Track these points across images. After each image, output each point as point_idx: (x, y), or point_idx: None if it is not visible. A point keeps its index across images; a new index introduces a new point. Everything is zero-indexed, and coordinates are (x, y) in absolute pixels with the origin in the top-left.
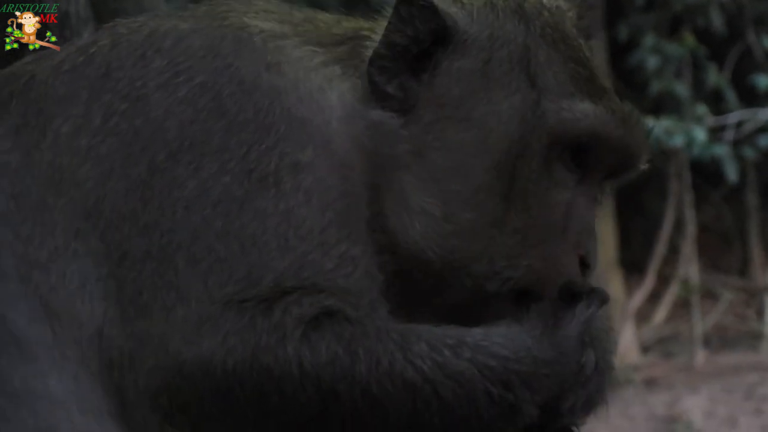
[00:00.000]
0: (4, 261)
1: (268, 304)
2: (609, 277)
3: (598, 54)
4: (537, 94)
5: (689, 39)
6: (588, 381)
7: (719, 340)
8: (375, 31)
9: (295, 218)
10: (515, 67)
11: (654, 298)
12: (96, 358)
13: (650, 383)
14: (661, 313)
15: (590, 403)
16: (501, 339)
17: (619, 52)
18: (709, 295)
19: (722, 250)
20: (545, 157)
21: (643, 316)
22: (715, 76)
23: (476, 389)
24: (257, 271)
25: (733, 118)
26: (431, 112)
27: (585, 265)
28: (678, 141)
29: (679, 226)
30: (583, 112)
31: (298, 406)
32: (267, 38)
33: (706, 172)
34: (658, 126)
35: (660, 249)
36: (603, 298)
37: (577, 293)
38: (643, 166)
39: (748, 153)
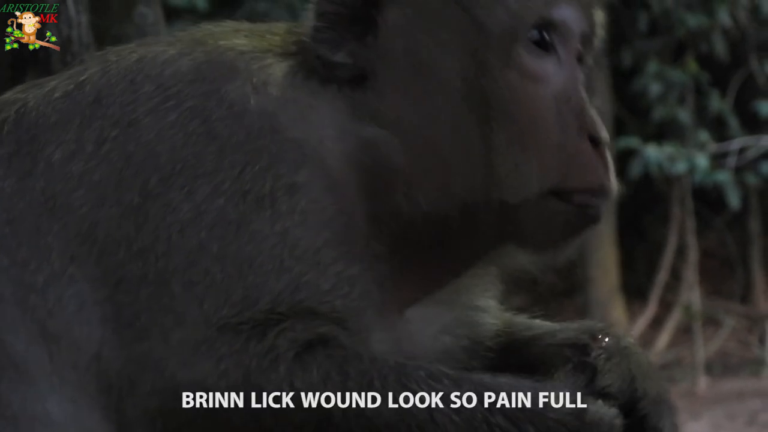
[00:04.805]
0: (1, 286)
1: (263, 329)
2: (611, 302)
3: (601, 80)
4: (474, 13)
5: (692, 65)
6: None
7: (721, 366)
8: None
9: (290, 239)
10: None
11: (656, 324)
12: (94, 382)
13: None
14: (663, 338)
15: None
16: (508, 379)
17: (623, 78)
18: (712, 322)
19: (724, 277)
20: (507, 61)
21: (645, 341)
22: (717, 103)
23: (476, 418)
24: (253, 293)
25: (735, 144)
26: (389, 74)
27: (595, 141)
28: (680, 167)
29: (681, 252)
30: (516, 2)
31: (292, 429)
32: (250, 58)
33: (708, 199)
34: (661, 152)
35: (662, 275)
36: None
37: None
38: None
39: (751, 179)
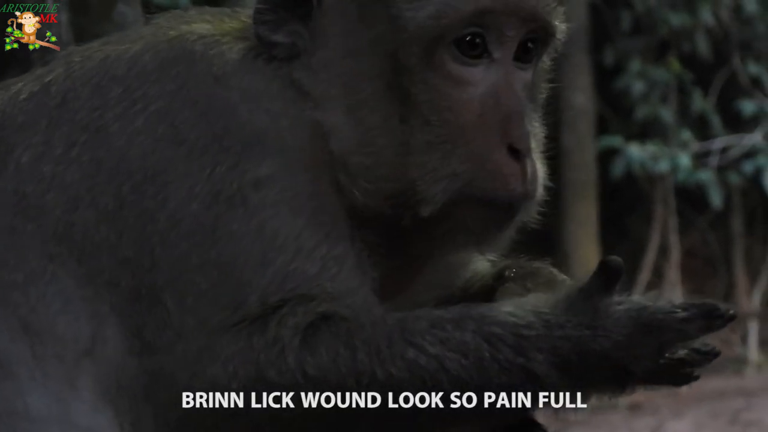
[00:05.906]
0: None
1: (263, 321)
2: None
3: (583, 78)
4: (395, 9)
5: (675, 64)
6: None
7: None
8: None
9: (268, 232)
10: None
11: None
12: (86, 378)
13: (635, 408)
14: None
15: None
16: (509, 308)
17: (606, 77)
18: None
19: (707, 276)
20: (428, 63)
21: None
22: (700, 102)
23: (483, 357)
24: (242, 293)
25: (718, 143)
26: (324, 55)
27: (515, 151)
28: (663, 166)
29: (663, 251)
30: (440, 2)
31: (312, 413)
32: (209, 42)
33: (691, 198)
34: (644, 151)
35: (645, 274)
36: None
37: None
38: (556, 30)
39: (733, 179)
